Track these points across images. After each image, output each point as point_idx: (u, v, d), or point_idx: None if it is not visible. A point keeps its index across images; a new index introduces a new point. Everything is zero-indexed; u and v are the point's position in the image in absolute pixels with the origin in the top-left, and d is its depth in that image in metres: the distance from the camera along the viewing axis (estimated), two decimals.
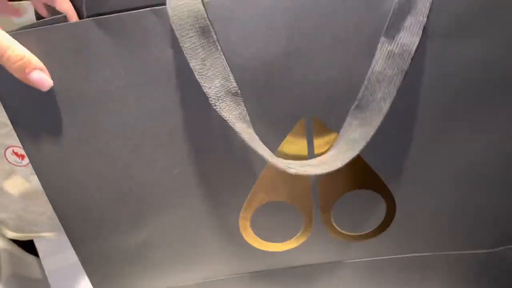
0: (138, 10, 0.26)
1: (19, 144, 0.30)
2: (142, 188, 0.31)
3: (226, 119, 0.27)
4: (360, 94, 0.27)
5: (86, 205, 0.32)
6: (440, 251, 0.35)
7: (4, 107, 0.28)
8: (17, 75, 0.26)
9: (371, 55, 0.27)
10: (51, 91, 0.28)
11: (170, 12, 0.26)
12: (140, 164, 0.30)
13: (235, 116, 0.27)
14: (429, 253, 0.36)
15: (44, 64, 0.27)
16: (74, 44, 0.27)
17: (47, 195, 0.31)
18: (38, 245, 0.48)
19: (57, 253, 0.47)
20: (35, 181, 0.45)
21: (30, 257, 0.48)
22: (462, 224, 0.34)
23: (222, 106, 0.27)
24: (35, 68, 0.26)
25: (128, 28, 0.27)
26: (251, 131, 0.28)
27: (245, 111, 0.28)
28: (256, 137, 0.28)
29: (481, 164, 0.31)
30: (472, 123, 0.30)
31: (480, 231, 0.35)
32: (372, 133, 0.27)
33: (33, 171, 0.31)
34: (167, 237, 0.33)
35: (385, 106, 0.26)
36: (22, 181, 0.45)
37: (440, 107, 0.29)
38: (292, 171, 0.27)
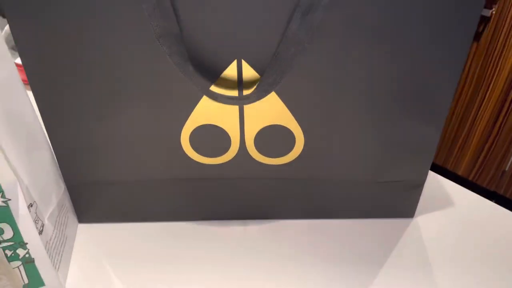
0: None
1: None
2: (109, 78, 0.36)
3: (166, 53, 0.32)
4: (277, 49, 0.33)
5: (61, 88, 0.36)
6: (338, 178, 0.43)
7: None
8: None
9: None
10: None
11: None
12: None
13: (174, 52, 0.32)
14: (328, 179, 0.43)
15: None
16: None
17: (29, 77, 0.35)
18: None
19: None
20: None
21: None
22: (360, 159, 0.41)
23: (163, 42, 0.32)
24: None
25: None
26: (187, 66, 0.33)
27: (184, 50, 0.32)
28: (192, 70, 0.33)
29: (378, 100, 0.37)
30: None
31: (373, 166, 0.42)
32: (282, 80, 0.33)
33: None
34: (123, 134, 0.39)
35: (295, 61, 0.32)
36: None
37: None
38: (218, 101, 0.33)
